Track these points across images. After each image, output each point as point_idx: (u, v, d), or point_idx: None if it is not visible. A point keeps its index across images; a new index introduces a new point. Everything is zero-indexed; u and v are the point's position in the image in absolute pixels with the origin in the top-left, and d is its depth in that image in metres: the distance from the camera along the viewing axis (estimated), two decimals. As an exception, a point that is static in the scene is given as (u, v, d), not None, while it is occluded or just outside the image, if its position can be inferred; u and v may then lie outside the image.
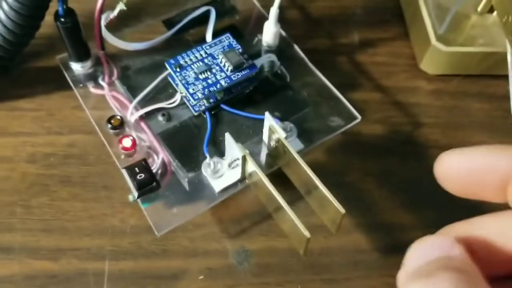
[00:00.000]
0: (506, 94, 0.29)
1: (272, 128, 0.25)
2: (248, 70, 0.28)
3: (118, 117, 0.27)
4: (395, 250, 0.25)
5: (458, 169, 0.16)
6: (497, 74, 0.32)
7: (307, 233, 0.21)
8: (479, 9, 0.32)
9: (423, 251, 0.15)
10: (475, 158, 0.16)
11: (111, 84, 0.29)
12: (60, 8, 0.26)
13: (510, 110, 0.29)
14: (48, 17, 0.27)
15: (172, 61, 0.28)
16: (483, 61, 0.31)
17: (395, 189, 0.28)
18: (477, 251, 0.17)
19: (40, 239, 0.25)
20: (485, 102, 0.32)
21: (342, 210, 0.22)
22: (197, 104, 0.28)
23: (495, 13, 0.31)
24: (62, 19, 0.26)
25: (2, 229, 0.25)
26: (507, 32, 0.28)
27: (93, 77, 0.29)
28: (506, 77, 0.29)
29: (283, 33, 0.31)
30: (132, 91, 0.29)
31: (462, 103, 0.31)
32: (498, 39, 0.31)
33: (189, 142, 0.27)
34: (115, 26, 0.30)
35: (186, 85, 0.27)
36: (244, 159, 0.24)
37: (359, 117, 0.29)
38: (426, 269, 0.14)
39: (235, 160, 0.25)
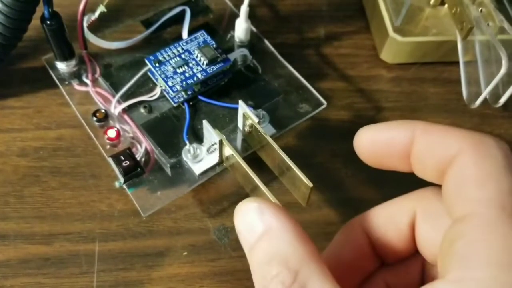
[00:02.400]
0: (459, 78, 0.32)
1: (246, 114, 0.27)
2: (222, 64, 0.30)
3: (103, 110, 0.29)
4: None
5: (368, 142, 0.19)
6: (451, 61, 0.35)
7: (278, 204, 0.24)
8: (431, 2, 0.35)
9: (242, 231, 0.18)
10: (380, 132, 0.19)
11: (94, 81, 0.31)
12: (46, 12, 0.28)
13: (462, 93, 0.32)
14: (33, 21, 0.29)
15: (151, 57, 0.30)
16: (437, 49, 0.34)
17: (360, 168, 0.30)
18: (372, 239, 0.20)
19: (33, 225, 0.27)
20: (440, 86, 0.35)
21: (310, 184, 0.24)
22: (176, 96, 0.30)
23: (446, 5, 0.34)
24: (48, 22, 0.28)
25: (-3, 218, 0.27)
26: (456, 22, 0.31)
27: (77, 75, 0.31)
28: (458, 63, 0.32)
29: (254, 29, 0.34)
30: (115, 86, 0.31)
31: (419, 88, 0.34)
32: (449, 29, 0.33)
33: (170, 131, 0.29)
34: (96, 27, 0.32)
35: (165, 79, 0.29)
36: (221, 143, 0.26)
37: (325, 103, 0.31)
38: (256, 264, 0.17)
39: (212, 145, 0.28)
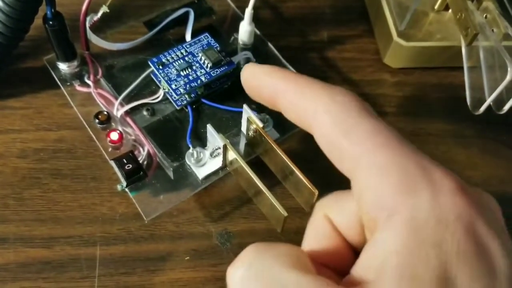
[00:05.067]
0: (462, 84, 0.32)
1: (251, 119, 0.27)
2: (226, 67, 0.30)
3: (105, 113, 0.29)
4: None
5: (246, 80, 0.21)
6: (454, 66, 0.34)
7: (284, 212, 0.24)
8: (436, 7, 0.35)
9: None
10: (254, 77, 0.20)
11: (96, 82, 0.31)
12: (48, 12, 0.27)
13: (466, 98, 0.32)
14: (35, 20, 0.28)
15: (155, 59, 0.30)
16: (440, 54, 0.34)
17: (363, 173, 0.30)
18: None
19: (34, 228, 0.27)
20: (444, 92, 0.34)
21: (315, 190, 0.24)
22: (180, 99, 0.30)
23: (450, 10, 0.34)
24: (51, 22, 0.28)
25: (-4, 221, 0.27)
26: (460, 28, 0.31)
27: (79, 76, 0.31)
28: (462, 68, 0.32)
29: (258, 32, 0.34)
30: (117, 88, 0.30)
31: (422, 93, 0.34)
32: (453, 34, 0.33)
33: (173, 135, 0.29)
34: (98, 28, 0.32)
35: (168, 81, 0.29)
36: (225, 147, 0.26)
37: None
38: None
39: (216, 149, 0.27)
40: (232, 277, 0.16)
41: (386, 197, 0.15)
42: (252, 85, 0.21)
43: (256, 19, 0.33)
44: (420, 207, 0.14)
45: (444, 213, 0.14)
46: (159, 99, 0.30)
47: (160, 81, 0.30)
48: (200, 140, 0.29)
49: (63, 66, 0.30)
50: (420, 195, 0.14)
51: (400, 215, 0.14)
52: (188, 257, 0.27)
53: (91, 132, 0.29)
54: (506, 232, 0.15)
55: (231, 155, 0.26)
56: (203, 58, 0.30)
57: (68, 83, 0.31)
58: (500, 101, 0.31)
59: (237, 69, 0.32)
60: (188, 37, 0.32)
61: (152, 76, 0.30)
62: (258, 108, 0.30)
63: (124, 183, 0.27)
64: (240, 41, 0.33)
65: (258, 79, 0.20)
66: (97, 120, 0.29)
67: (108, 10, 0.30)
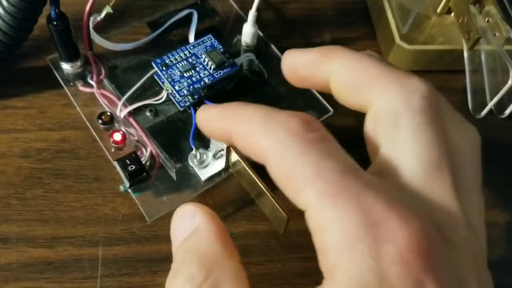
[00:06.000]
0: (464, 87, 0.32)
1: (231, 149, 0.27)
2: (229, 68, 0.30)
3: (109, 113, 0.29)
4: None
5: (291, 67, 0.20)
6: (456, 69, 0.35)
7: (286, 214, 0.24)
8: (438, 10, 0.35)
9: (174, 231, 0.19)
10: (301, 63, 0.20)
11: (99, 82, 0.31)
12: (52, 12, 0.27)
13: (467, 102, 0.32)
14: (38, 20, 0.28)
15: (158, 60, 0.30)
16: (442, 57, 0.34)
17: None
18: None
19: (36, 228, 0.27)
20: (445, 95, 0.34)
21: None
22: (183, 100, 0.30)
23: (452, 14, 0.34)
24: (55, 23, 0.28)
25: (-1, 220, 0.27)
26: (462, 31, 0.31)
27: (82, 76, 0.31)
28: (464, 72, 0.32)
29: (261, 34, 0.34)
30: (120, 89, 0.30)
31: (424, 97, 0.34)
32: (455, 38, 0.33)
33: (176, 136, 0.29)
34: (101, 28, 0.32)
35: (172, 82, 0.29)
36: (228, 149, 0.26)
37: (331, 110, 0.31)
38: (174, 262, 0.17)
39: (219, 151, 0.28)
40: None
41: (329, 252, 0.14)
42: (300, 70, 0.20)
43: (258, 21, 0.33)
44: (358, 271, 0.13)
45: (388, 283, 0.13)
46: (162, 100, 0.30)
47: (163, 82, 0.30)
48: (203, 142, 0.29)
49: (66, 66, 0.30)
50: (358, 256, 0.13)
51: (340, 273, 0.14)
52: (190, 258, 0.27)
53: (94, 133, 0.29)
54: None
55: (234, 156, 0.26)
56: (206, 59, 0.30)
57: (71, 83, 0.31)
58: (501, 105, 0.31)
59: (240, 70, 0.32)
60: (191, 38, 0.32)
61: (156, 77, 0.30)
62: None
63: (127, 184, 0.27)
64: (243, 43, 0.33)
65: (306, 65, 0.20)
66: (100, 121, 0.29)
67: (111, 11, 0.30)
